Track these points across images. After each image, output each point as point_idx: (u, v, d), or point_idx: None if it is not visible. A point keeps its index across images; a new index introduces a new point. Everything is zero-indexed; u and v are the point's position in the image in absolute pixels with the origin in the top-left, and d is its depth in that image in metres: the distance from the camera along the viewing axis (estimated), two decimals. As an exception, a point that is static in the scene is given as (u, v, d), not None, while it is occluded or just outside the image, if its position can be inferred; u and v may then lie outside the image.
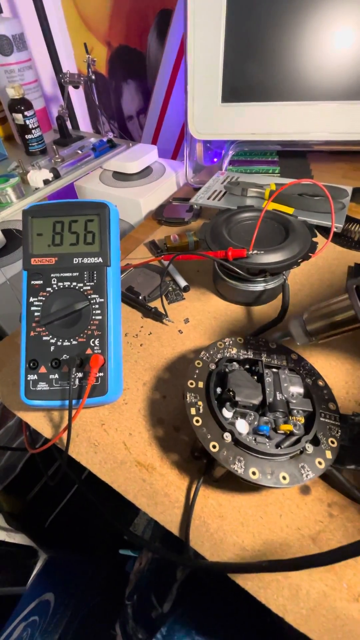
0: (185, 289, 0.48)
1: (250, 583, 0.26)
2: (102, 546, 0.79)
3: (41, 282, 0.34)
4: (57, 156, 0.78)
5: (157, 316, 0.44)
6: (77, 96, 1.10)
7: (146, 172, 0.79)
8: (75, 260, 0.34)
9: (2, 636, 0.61)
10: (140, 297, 0.47)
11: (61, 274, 0.34)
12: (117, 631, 0.55)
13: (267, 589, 0.25)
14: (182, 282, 0.49)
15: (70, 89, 0.88)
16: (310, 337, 0.33)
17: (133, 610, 0.55)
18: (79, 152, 0.82)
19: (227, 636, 0.44)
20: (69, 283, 0.34)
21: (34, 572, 0.69)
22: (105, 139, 0.86)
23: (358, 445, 0.29)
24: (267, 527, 0.28)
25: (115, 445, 0.33)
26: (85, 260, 0.34)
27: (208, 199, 0.58)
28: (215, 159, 0.74)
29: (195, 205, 0.62)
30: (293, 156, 0.73)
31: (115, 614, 0.57)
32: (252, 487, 0.29)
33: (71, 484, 0.76)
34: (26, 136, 0.81)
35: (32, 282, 0.34)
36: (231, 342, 0.34)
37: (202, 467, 0.31)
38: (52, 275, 0.34)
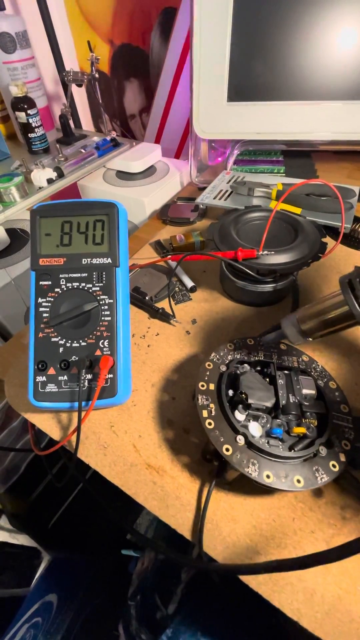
0: (192, 290, 0.48)
1: (264, 587, 0.26)
2: (105, 547, 0.79)
3: (50, 282, 0.34)
4: (60, 155, 0.77)
5: (165, 317, 0.44)
6: (80, 95, 1.10)
7: (150, 171, 0.78)
8: (84, 261, 0.34)
9: (5, 638, 0.61)
10: (147, 298, 0.46)
11: (70, 275, 0.34)
12: (120, 632, 0.55)
13: (281, 593, 0.25)
14: (189, 283, 0.48)
15: (73, 87, 0.87)
16: (305, 336, 0.31)
17: (136, 611, 0.55)
18: (82, 150, 0.81)
19: (233, 638, 0.44)
20: (77, 284, 0.34)
21: (38, 574, 0.69)
22: (108, 138, 0.86)
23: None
24: (280, 530, 0.27)
25: (124, 447, 0.33)
26: (94, 261, 0.34)
27: (214, 198, 0.57)
28: (220, 158, 0.74)
29: (201, 205, 0.61)
30: (298, 156, 0.73)
31: (118, 614, 0.57)
32: (264, 490, 0.29)
33: (75, 485, 0.76)
34: (29, 135, 0.81)
35: (41, 282, 0.34)
36: (241, 343, 0.34)
37: (213, 469, 0.30)
38: (60, 275, 0.34)
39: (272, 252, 0.38)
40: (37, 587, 0.68)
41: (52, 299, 0.34)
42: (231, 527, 0.28)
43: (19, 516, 0.65)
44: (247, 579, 0.26)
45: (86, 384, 0.32)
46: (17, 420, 0.59)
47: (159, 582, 0.55)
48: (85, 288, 0.34)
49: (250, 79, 0.58)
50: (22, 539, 0.65)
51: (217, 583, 0.46)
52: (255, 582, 0.26)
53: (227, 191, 0.59)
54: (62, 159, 0.77)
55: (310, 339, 0.32)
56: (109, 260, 0.34)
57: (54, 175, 0.70)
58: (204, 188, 0.62)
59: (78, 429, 0.31)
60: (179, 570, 0.52)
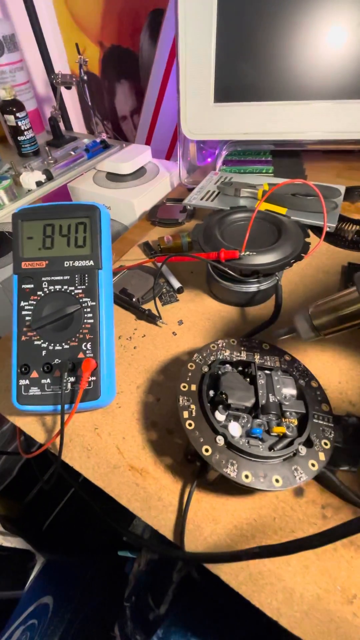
0: (179, 291, 0.48)
1: (244, 587, 0.26)
2: (101, 548, 0.79)
3: (32, 286, 0.34)
4: (50, 157, 0.77)
5: (151, 318, 0.44)
6: (70, 97, 1.10)
7: (140, 172, 0.79)
8: (66, 264, 0.34)
9: (0, 640, 0.61)
10: (133, 299, 0.46)
11: (52, 278, 0.34)
12: (116, 633, 0.55)
13: (261, 593, 0.25)
14: (176, 284, 0.48)
15: (63, 89, 0.87)
16: (316, 332, 0.31)
17: (131, 611, 0.55)
18: (72, 153, 0.81)
19: (222, 638, 0.44)
20: (60, 287, 0.34)
21: (32, 576, 0.69)
22: (98, 140, 0.85)
23: (351, 446, 0.29)
24: (261, 530, 0.28)
25: (108, 449, 0.33)
26: (77, 264, 0.34)
27: (201, 199, 0.57)
28: (209, 159, 0.74)
29: (189, 206, 0.61)
30: (287, 156, 0.73)
31: (114, 615, 0.57)
32: (245, 490, 0.29)
33: (68, 486, 0.76)
34: (18, 138, 0.81)
35: (23, 286, 0.34)
36: (224, 343, 0.34)
37: (195, 470, 0.31)
38: (43, 279, 0.34)
39: (255, 253, 0.38)
40: (31, 589, 0.68)
41: (35, 302, 0.34)
42: (212, 527, 0.28)
43: (13, 519, 0.65)
44: (227, 578, 0.26)
45: (69, 386, 0.32)
46: (7, 424, 0.59)
47: (152, 583, 0.55)
48: (68, 291, 0.34)
49: (237, 80, 0.58)
50: (15, 542, 0.65)
51: (199, 581, 0.46)
52: (236, 581, 0.26)
53: (214, 192, 0.59)
54: (52, 161, 0.77)
55: (321, 335, 0.31)
56: (92, 262, 0.34)
57: (42, 177, 0.70)
58: (194, 189, 0.62)
59: (61, 432, 0.31)
60: (171, 570, 0.52)
